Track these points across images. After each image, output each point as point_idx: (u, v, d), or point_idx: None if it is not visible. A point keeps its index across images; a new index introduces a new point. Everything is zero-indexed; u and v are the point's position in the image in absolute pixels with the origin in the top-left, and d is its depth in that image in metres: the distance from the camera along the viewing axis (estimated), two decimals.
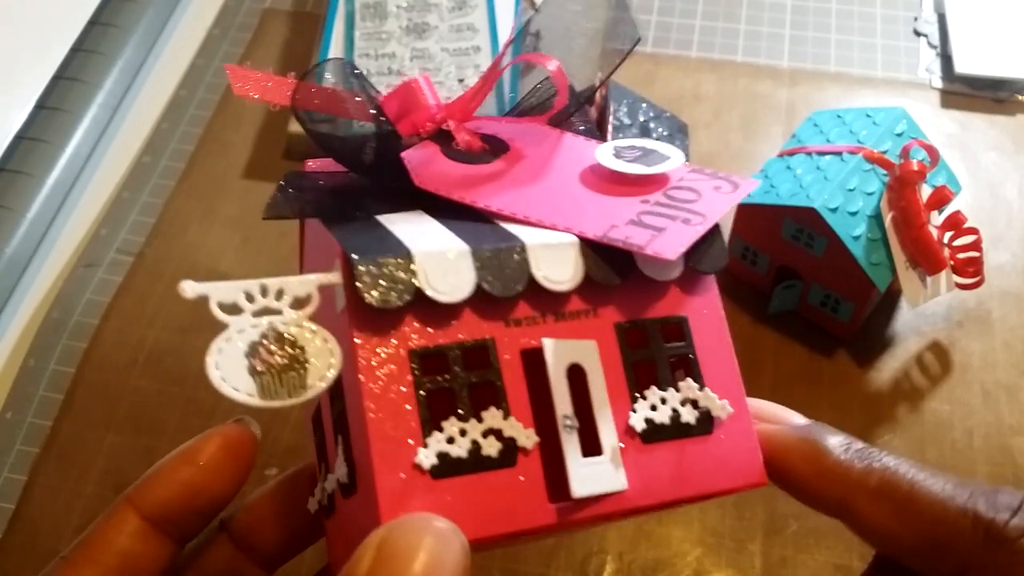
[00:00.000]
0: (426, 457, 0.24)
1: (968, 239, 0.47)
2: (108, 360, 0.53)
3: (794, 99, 0.63)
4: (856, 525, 0.25)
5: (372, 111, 0.29)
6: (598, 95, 0.49)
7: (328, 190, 0.29)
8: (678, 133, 0.51)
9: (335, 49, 0.62)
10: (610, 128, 0.47)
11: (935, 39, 0.66)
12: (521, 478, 0.24)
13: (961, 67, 0.63)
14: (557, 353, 0.25)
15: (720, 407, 0.27)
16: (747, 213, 0.52)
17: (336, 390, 0.25)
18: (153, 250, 0.58)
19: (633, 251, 0.26)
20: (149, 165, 0.63)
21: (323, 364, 0.23)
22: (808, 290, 0.51)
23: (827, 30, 0.67)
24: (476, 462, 0.24)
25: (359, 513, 0.25)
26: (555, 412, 0.25)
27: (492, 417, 0.24)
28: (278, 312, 0.24)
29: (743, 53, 0.66)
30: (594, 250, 0.26)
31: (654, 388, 0.26)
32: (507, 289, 0.25)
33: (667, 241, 0.26)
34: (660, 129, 0.50)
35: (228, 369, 0.23)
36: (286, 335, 0.23)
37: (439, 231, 0.26)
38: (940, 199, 0.47)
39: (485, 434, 0.24)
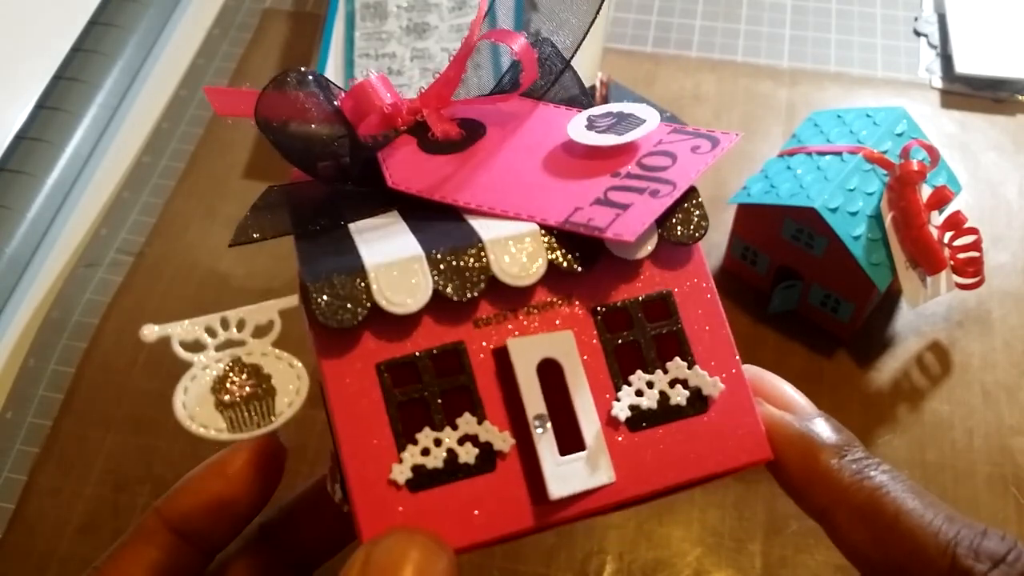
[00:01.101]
0: (400, 473, 0.23)
1: (968, 239, 0.47)
2: (108, 360, 0.53)
3: (794, 99, 0.63)
4: (834, 536, 0.25)
5: (333, 115, 0.28)
6: (598, 95, 0.49)
7: (307, 200, 0.29)
8: None
9: (335, 49, 0.62)
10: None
11: (935, 39, 0.66)
12: (501, 482, 0.24)
13: (961, 67, 0.63)
14: (522, 352, 0.24)
15: (711, 384, 0.26)
16: (747, 213, 0.52)
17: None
18: (153, 250, 0.58)
19: (594, 235, 0.24)
20: (149, 165, 0.63)
21: (292, 388, 0.23)
22: (808, 290, 0.51)
23: (827, 30, 0.67)
24: (453, 471, 0.24)
25: (354, 524, 0.24)
26: (526, 414, 0.24)
27: (466, 423, 0.24)
28: (241, 343, 0.24)
29: (743, 53, 0.66)
30: (558, 237, 0.25)
31: (640, 372, 0.25)
32: (466, 291, 0.24)
33: (629, 220, 0.24)
34: None
35: (195, 407, 0.23)
36: (249, 365, 0.23)
37: (402, 238, 0.25)
38: (940, 199, 0.47)
39: (461, 441, 0.24)
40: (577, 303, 0.25)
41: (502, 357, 0.25)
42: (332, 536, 0.31)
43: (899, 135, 0.49)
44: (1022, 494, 0.47)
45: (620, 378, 0.25)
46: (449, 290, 0.24)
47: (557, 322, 0.25)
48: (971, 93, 0.62)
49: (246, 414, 0.23)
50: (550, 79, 0.30)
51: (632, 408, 0.25)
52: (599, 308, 0.25)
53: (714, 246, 0.55)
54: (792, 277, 0.51)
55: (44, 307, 0.56)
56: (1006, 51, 0.63)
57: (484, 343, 0.25)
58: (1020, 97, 0.62)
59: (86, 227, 0.60)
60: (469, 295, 0.24)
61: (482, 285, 0.24)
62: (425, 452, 0.24)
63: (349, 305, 0.23)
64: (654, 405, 0.25)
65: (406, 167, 0.29)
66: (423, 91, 0.30)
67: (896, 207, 0.46)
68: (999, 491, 0.47)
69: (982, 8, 0.65)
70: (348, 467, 0.23)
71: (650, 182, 0.26)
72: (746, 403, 0.26)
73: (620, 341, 0.25)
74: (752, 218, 0.51)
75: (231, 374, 0.23)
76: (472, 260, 0.24)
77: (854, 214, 0.46)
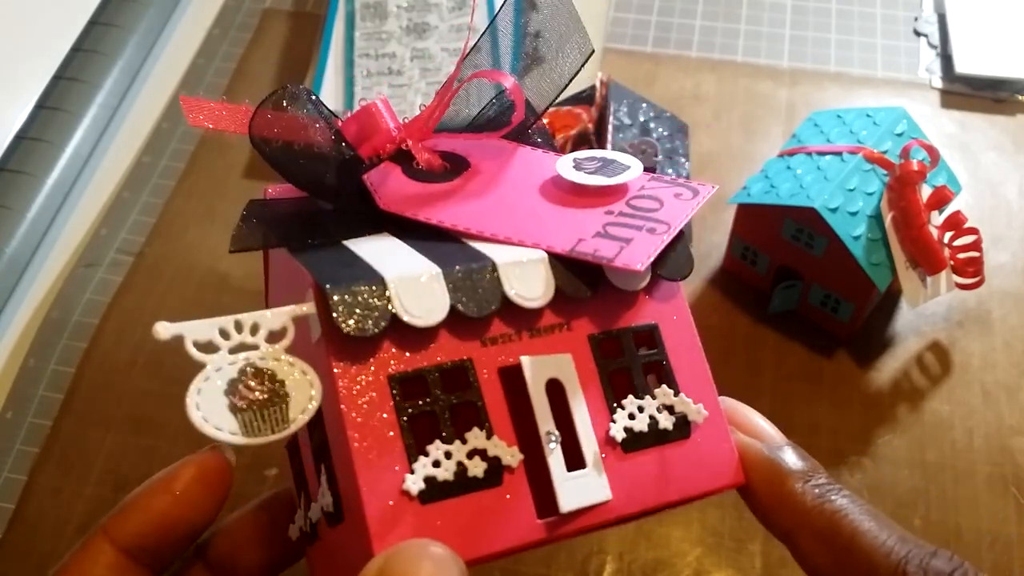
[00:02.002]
0: (414, 483, 0.23)
1: (968, 239, 0.47)
2: (108, 360, 0.53)
3: (794, 99, 0.63)
4: (797, 557, 0.26)
5: (332, 136, 0.29)
6: (598, 95, 0.49)
7: (292, 217, 0.29)
8: (678, 133, 0.51)
9: (335, 49, 0.62)
10: (610, 128, 0.47)
11: (935, 39, 0.66)
12: (508, 496, 0.24)
13: (961, 67, 0.63)
14: (535, 370, 0.25)
15: (696, 411, 0.27)
16: (747, 213, 0.52)
17: (315, 420, 0.25)
18: (153, 250, 0.58)
19: (602, 264, 0.26)
20: (149, 165, 0.63)
21: (304, 397, 0.23)
22: (808, 290, 0.51)
23: (827, 30, 0.67)
24: (463, 484, 0.24)
25: (347, 542, 0.24)
26: (538, 428, 0.25)
27: (475, 437, 0.24)
28: (254, 347, 0.23)
29: (743, 53, 0.66)
30: (563, 264, 0.26)
31: (631, 397, 0.27)
32: (481, 309, 0.25)
33: (635, 252, 0.26)
34: (660, 129, 0.50)
35: (209, 409, 0.23)
36: (264, 370, 0.23)
37: (408, 254, 0.26)
38: (940, 199, 0.47)
39: (470, 455, 0.24)
40: (576, 329, 0.26)
41: (508, 376, 0.25)
42: (274, 561, 0.30)
43: (899, 135, 0.49)
44: (1022, 494, 0.47)
45: (614, 401, 0.26)
46: (467, 307, 0.25)
47: (558, 346, 0.26)
48: (971, 93, 0.62)
49: (260, 419, 0.23)
50: (528, 123, 0.31)
51: (626, 430, 0.26)
52: (595, 335, 0.27)
53: (714, 246, 0.55)
54: (792, 277, 0.51)
55: (44, 307, 0.56)
56: (1006, 51, 0.63)
57: (491, 362, 0.25)
58: (1020, 97, 0.62)
59: (86, 227, 0.60)
60: (484, 313, 0.25)
61: (496, 304, 0.25)
62: (436, 464, 0.24)
63: (370, 314, 0.23)
64: (645, 428, 0.26)
65: (395, 192, 0.29)
66: (407, 121, 0.31)
67: (896, 207, 0.46)
68: (999, 491, 0.47)
69: (982, 8, 0.65)
70: (360, 476, 0.23)
71: (645, 220, 0.28)
72: (723, 431, 0.28)
73: (614, 367, 0.27)
74: (752, 218, 0.51)
75: (245, 377, 0.23)
76: (487, 281, 0.25)
77: (854, 214, 0.46)
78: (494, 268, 0.25)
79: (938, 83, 0.63)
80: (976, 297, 0.52)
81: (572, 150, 0.48)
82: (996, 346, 0.51)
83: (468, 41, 0.32)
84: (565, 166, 0.30)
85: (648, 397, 0.27)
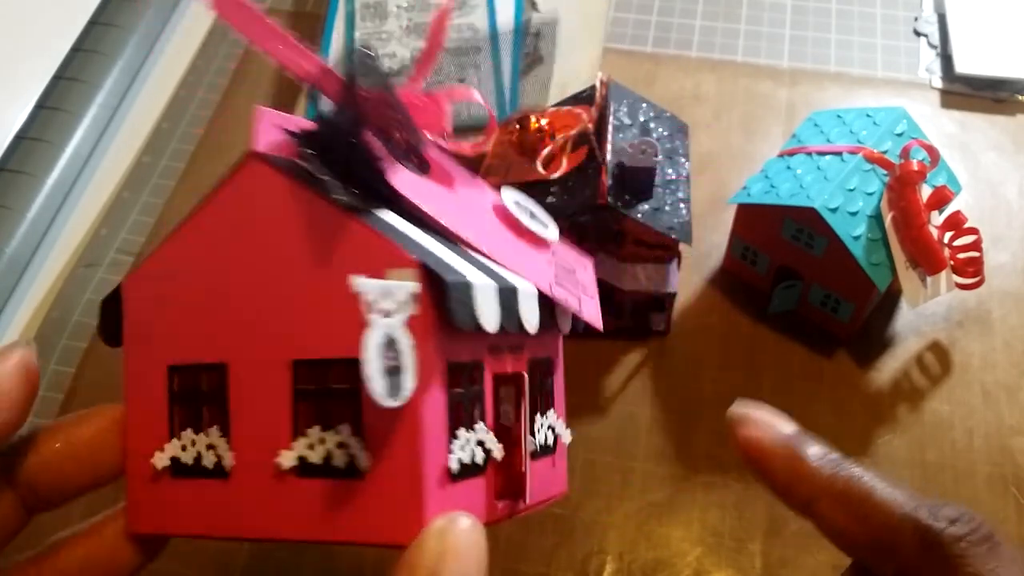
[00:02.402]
0: (454, 462, 0.26)
1: (968, 239, 0.47)
2: (108, 360, 0.53)
3: (794, 99, 0.63)
4: (820, 523, 0.28)
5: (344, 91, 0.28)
6: (598, 95, 0.49)
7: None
8: (678, 133, 0.51)
9: (335, 49, 0.62)
10: (610, 128, 0.47)
11: (935, 39, 0.66)
12: (489, 482, 0.28)
13: (961, 67, 0.63)
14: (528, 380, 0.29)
15: (567, 433, 0.33)
16: (747, 213, 0.52)
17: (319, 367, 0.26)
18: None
19: (571, 311, 0.32)
20: (149, 165, 0.63)
21: (414, 369, 0.24)
22: (808, 290, 0.51)
23: (827, 30, 0.67)
24: (473, 468, 0.27)
25: (360, 499, 0.25)
26: (527, 426, 0.29)
27: (481, 429, 0.27)
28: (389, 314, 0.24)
29: (743, 53, 0.66)
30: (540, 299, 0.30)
31: (550, 412, 0.32)
32: (510, 327, 0.27)
33: (590, 312, 0.33)
34: (660, 129, 0.50)
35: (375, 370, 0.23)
36: (397, 339, 0.24)
37: (457, 258, 0.27)
38: (940, 199, 0.47)
39: (477, 443, 0.27)
40: (525, 353, 0.31)
41: (497, 381, 0.29)
42: (85, 486, 0.30)
43: (899, 135, 0.49)
44: (1022, 494, 0.47)
45: (539, 415, 0.31)
46: (507, 323, 0.27)
47: (520, 365, 0.30)
48: (971, 93, 0.62)
49: (388, 384, 0.24)
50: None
51: (541, 442, 0.31)
52: (532, 359, 0.31)
53: (714, 246, 0.55)
54: (792, 277, 0.51)
55: (44, 307, 0.56)
56: (1006, 51, 0.63)
57: (490, 368, 0.28)
58: (1020, 97, 0.62)
59: (86, 227, 0.60)
60: (512, 330, 0.28)
61: (516, 327, 0.28)
62: (463, 448, 0.26)
63: (466, 311, 0.25)
64: (547, 441, 0.31)
65: (405, 178, 0.29)
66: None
67: (896, 207, 0.46)
68: (999, 491, 0.47)
69: (982, 8, 0.65)
70: (426, 452, 0.25)
71: (577, 286, 0.33)
72: (562, 450, 0.33)
73: (539, 387, 0.31)
74: (752, 218, 0.51)
75: (390, 343, 0.24)
76: (513, 304, 0.28)
77: (854, 214, 0.46)
78: (515, 293, 0.28)
79: (938, 83, 0.63)
80: (976, 297, 0.52)
81: (572, 150, 0.48)
82: (996, 346, 0.51)
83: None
84: (510, 200, 0.33)
85: (550, 413, 0.32)
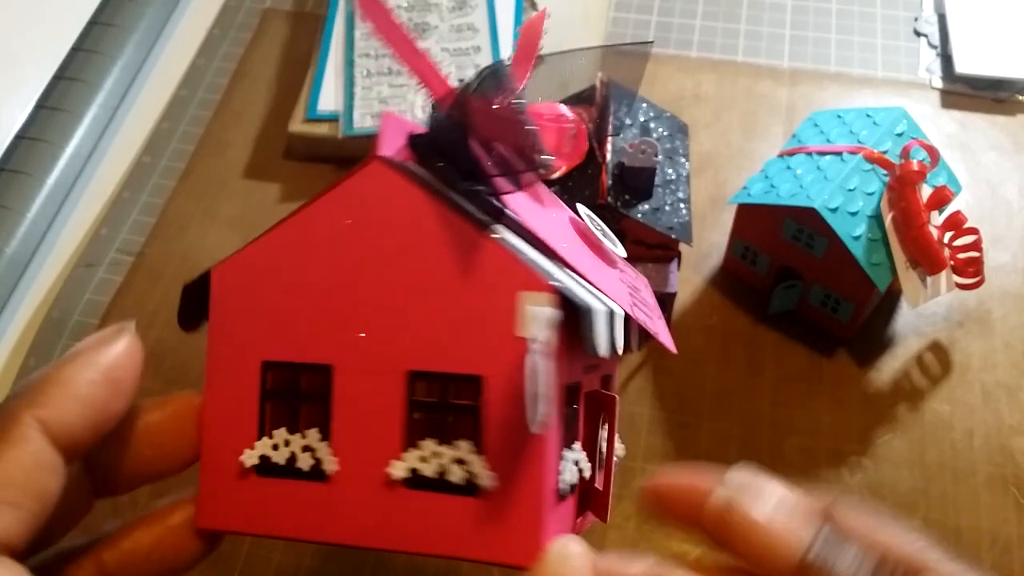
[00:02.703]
0: (565, 477, 0.26)
1: (968, 239, 0.47)
2: None
3: (794, 99, 0.63)
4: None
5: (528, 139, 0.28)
6: (598, 95, 0.49)
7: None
8: (678, 133, 0.51)
9: (335, 49, 0.62)
10: (610, 128, 0.47)
11: (935, 39, 0.66)
12: (574, 501, 0.28)
13: (961, 67, 0.63)
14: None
15: (621, 448, 0.33)
16: (747, 213, 0.52)
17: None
18: (153, 250, 0.58)
19: (650, 333, 0.32)
20: (149, 165, 0.63)
21: (553, 395, 0.25)
22: (808, 290, 0.51)
23: (827, 30, 0.67)
24: (571, 488, 0.27)
25: (478, 517, 0.25)
26: (612, 447, 0.30)
27: (577, 449, 0.28)
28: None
29: (743, 53, 0.66)
30: None
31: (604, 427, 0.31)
32: (614, 351, 0.27)
33: (663, 334, 0.33)
34: (660, 129, 0.50)
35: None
36: (538, 365, 0.24)
37: (576, 284, 0.27)
38: (940, 199, 0.47)
39: (574, 463, 0.27)
40: (601, 371, 0.31)
41: (587, 400, 0.29)
42: (154, 476, 0.29)
43: (899, 135, 0.49)
44: (1022, 494, 0.47)
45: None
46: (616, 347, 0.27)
47: (591, 384, 0.30)
48: (971, 93, 0.62)
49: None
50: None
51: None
52: (604, 376, 0.32)
53: (714, 246, 0.55)
54: (792, 277, 0.51)
55: (44, 307, 0.56)
56: (1006, 51, 0.63)
57: (583, 387, 0.29)
58: (1020, 97, 0.62)
59: (86, 227, 0.60)
60: (612, 355, 0.27)
61: (612, 348, 0.28)
62: (568, 469, 0.26)
63: (599, 337, 0.25)
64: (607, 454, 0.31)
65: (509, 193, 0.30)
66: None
67: (896, 207, 0.46)
68: (999, 491, 0.47)
69: (982, 8, 0.65)
70: (546, 474, 0.25)
71: (647, 307, 0.34)
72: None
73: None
74: (752, 218, 0.51)
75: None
76: (615, 327, 0.27)
77: (854, 214, 0.46)
78: (615, 317, 0.28)
79: (938, 83, 0.63)
80: (976, 297, 0.52)
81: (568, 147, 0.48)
82: (996, 346, 0.51)
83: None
84: (585, 215, 0.32)
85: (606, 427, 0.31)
